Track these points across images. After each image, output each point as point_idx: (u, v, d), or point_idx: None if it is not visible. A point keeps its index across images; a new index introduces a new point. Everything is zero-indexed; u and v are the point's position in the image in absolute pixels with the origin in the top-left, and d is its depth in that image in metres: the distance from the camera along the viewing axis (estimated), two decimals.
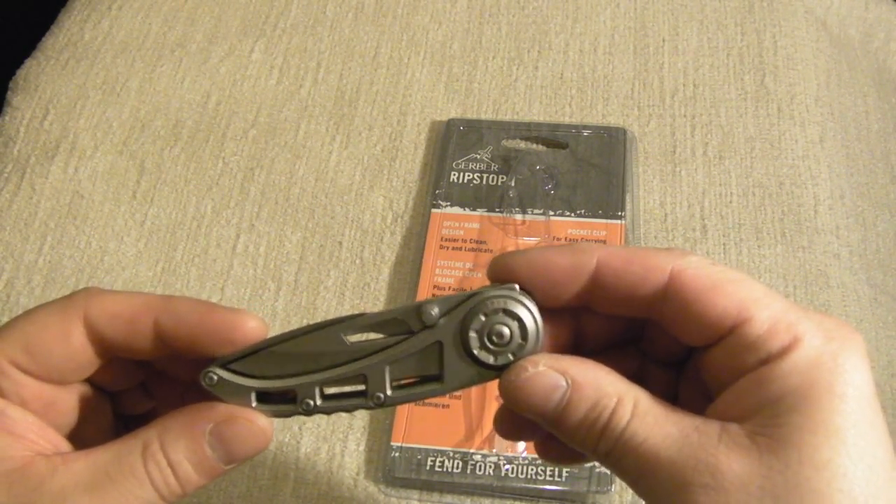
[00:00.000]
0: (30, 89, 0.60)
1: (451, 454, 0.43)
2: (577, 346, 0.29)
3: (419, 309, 0.27)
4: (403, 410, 0.44)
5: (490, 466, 0.43)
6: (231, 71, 0.60)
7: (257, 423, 0.27)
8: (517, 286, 0.27)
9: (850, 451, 0.23)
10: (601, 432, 0.25)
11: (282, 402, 0.27)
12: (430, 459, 0.43)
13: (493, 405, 0.44)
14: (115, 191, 0.55)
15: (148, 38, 0.63)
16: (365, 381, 0.27)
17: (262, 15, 0.63)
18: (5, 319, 0.50)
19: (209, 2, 0.64)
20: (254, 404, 0.27)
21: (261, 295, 0.50)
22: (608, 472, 0.42)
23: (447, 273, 0.49)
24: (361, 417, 0.46)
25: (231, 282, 0.51)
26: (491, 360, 0.27)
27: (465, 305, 0.27)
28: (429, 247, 0.50)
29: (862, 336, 0.25)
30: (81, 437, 0.28)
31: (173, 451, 0.26)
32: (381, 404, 0.27)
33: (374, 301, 0.50)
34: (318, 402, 0.27)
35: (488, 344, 0.27)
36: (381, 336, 0.27)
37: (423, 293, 0.48)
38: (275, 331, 0.29)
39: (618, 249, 0.27)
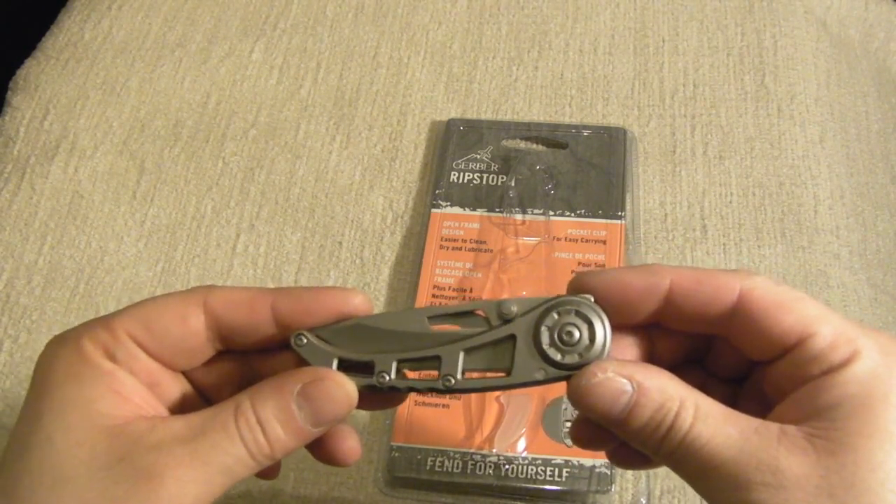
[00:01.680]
0: (30, 89, 0.60)
1: (451, 454, 0.43)
2: (650, 361, 0.31)
3: (500, 304, 0.29)
4: (403, 410, 0.44)
5: (490, 466, 0.43)
6: (231, 71, 0.60)
7: (343, 386, 0.28)
8: (591, 297, 0.29)
9: None
10: (665, 435, 0.27)
11: (360, 373, 0.29)
12: (430, 459, 0.43)
13: (493, 405, 0.44)
14: (115, 191, 0.55)
15: (148, 38, 0.63)
16: (438, 363, 0.29)
17: (262, 15, 0.63)
18: (5, 319, 0.50)
19: (209, 2, 0.65)
20: (334, 369, 0.29)
21: None
22: (608, 471, 0.42)
23: (447, 273, 0.49)
24: (361, 417, 0.46)
25: (231, 282, 0.51)
26: (558, 357, 0.29)
27: (543, 306, 0.29)
28: (429, 247, 0.50)
29: None
30: None
31: (262, 409, 0.27)
32: (450, 388, 0.29)
33: (375, 301, 0.50)
34: (393, 375, 0.29)
35: (558, 342, 0.28)
36: (460, 328, 0.29)
37: (423, 293, 0.48)
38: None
39: (689, 271, 0.29)
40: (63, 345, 0.28)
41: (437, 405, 0.45)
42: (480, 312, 0.29)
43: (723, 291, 0.28)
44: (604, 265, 0.48)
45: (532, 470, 0.43)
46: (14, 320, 0.50)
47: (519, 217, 0.51)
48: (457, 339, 0.29)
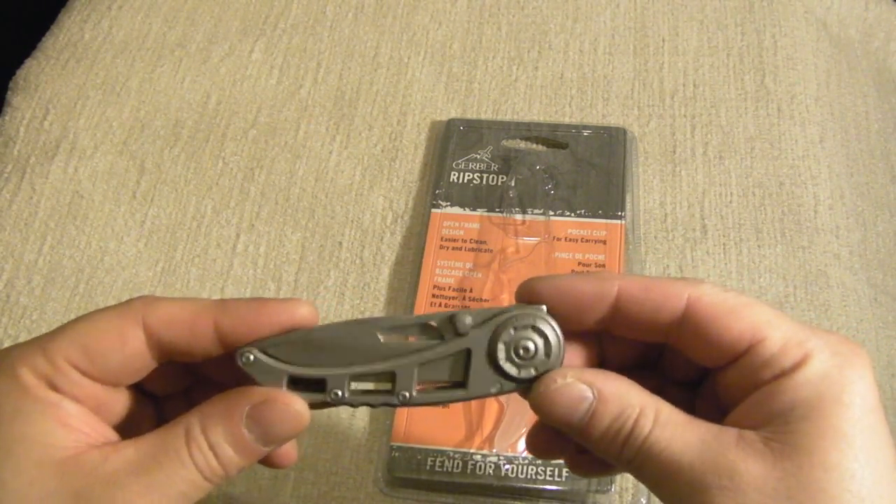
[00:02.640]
0: (30, 89, 0.60)
1: (451, 454, 0.43)
2: (600, 367, 0.31)
3: (453, 317, 0.28)
4: (403, 410, 0.44)
5: (490, 466, 0.43)
6: (231, 71, 0.60)
7: (293, 406, 0.28)
8: (545, 307, 0.29)
9: (857, 455, 0.25)
10: (625, 441, 0.27)
11: (312, 389, 0.28)
12: (430, 459, 0.43)
13: (493, 406, 0.44)
14: (115, 191, 0.55)
15: (148, 38, 0.63)
16: (393, 380, 0.29)
17: (262, 15, 0.63)
18: (5, 319, 0.50)
19: (209, 2, 0.64)
20: (284, 388, 0.28)
21: (261, 295, 0.50)
22: None
23: (447, 273, 0.49)
24: (361, 417, 0.46)
25: (231, 282, 0.51)
26: (515, 371, 0.28)
27: (496, 319, 0.29)
28: (429, 247, 0.50)
29: (866, 349, 0.27)
30: (127, 437, 0.29)
31: (213, 434, 0.27)
32: (405, 403, 0.29)
33: (374, 301, 0.50)
34: (346, 393, 0.28)
35: (514, 357, 0.28)
36: (413, 339, 0.29)
37: (423, 293, 0.48)
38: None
39: (637, 278, 0.29)
40: (2, 377, 0.27)
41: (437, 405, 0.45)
42: (433, 324, 0.29)
43: (671, 299, 0.28)
44: (604, 265, 0.48)
45: (532, 470, 0.43)
46: (14, 320, 0.50)
47: (519, 217, 0.51)
48: (410, 352, 0.28)
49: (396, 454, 0.43)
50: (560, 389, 0.28)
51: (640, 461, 0.27)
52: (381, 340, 0.29)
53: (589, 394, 0.27)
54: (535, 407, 0.28)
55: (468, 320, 0.28)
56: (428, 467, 0.43)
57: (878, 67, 0.62)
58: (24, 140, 0.58)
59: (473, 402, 0.45)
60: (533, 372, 0.28)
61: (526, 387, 0.29)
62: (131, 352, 0.28)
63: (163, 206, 0.54)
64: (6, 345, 0.49)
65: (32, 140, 0.57)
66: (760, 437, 0.26)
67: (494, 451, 0.43)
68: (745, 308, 0.27)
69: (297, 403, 0.28)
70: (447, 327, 0.29)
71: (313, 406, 0.28)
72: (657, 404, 0.27)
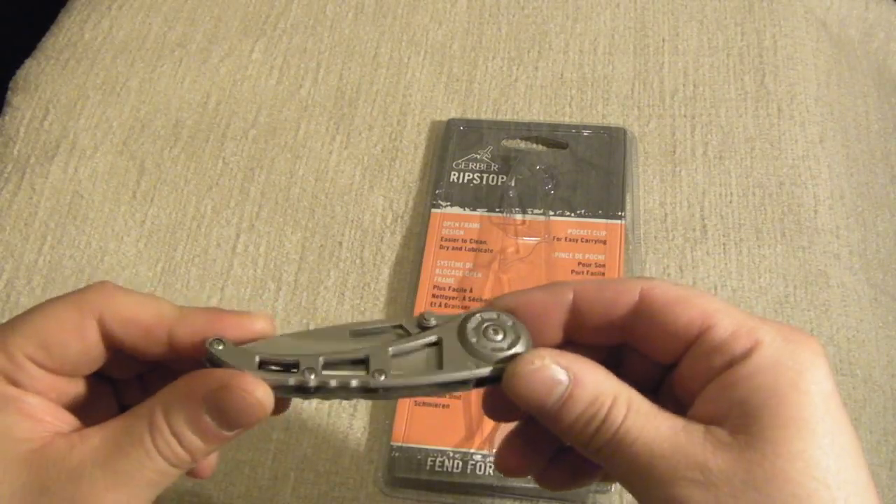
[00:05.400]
0: (30, 89, 0.60)
1: (451, 454, 0.43)
2: None
3: (420, 315, 0.30)
4: (403, 410, 0.44)
5: (490, 466, 0.43)
6: (231, 71, 0.60)
7: (253, 395, 0.27)
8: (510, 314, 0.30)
9: (819, 442, 0.25)
10: (597, 429, 0.27)
11: (283, 373, 0.28)
12: (430, 459, 0.43)
13: None
14: (115, 191, 0.55)
15: (148, 38, 0.63)
16: (366, 365, 0.28)
17: (262, 15, 0.63)
18: (5, 319, 0.50)
19: (209, 2, 0.65)
20: (256, 370, 0.27)
21: (261, 295, 0.50)
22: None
23: (447, 273, 0.49)
24: (361, 417, 0.46)
25: (231, 282, 0.51)
26: (486, 349, 0.29)
27: (461, 315, 0.30)
28: (429, 247, 0.50)
29: (819, 340, 0.27)
30: (88, 424, 0.29)
31: (175, 421, 0.27)
32: (381, 385, 0.28)
33: (374, 301, 0.50)
34: (320, 373, 0.28)
35: (484, 337, 0.29)
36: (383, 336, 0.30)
37: (423, 293, 0.48)
38: (278, 330, 0.31)
39: (591, 281, 0.30)
40: None
41: (437, 405, 0.45)
42: (400, 325, 0.30)
43: (624, 294, 0.29)
44: (604, 265, 0.48)
45: None
46: None
47: (519, 217, 0.51)
48: (383, 343, 0.29)
49: (396, 454, 0.43)
50: (536, 371, 0.27)
51: (611, 451, 0.27)
52: (351, 339, 0.29)
53: (564, 377, 0.27)
54: (509, 389, 0.28)
55: (434, 320, 0.29)
56: (428, 467, 0.43)
57: (878, 67, 0.62)
58: (24, 140, 0.58)
59: (473, 402, 0.44)
60: (504, 353, 0.28)
61: (499, 370, 0.28)
62: (88, 344, 0.28)
63: (163, 206, 0.54)
64: None
65: (32, 140, 0.57)
66: (726, 429, 0.26)
67: (494, 451, 0.43)
68: (696, 297, 0.28)
69: (259, 390, 0.27)
70: (413, 326, 0.29)
71: (281, 390, 0.27)
72: (631, 394, 0.27)
